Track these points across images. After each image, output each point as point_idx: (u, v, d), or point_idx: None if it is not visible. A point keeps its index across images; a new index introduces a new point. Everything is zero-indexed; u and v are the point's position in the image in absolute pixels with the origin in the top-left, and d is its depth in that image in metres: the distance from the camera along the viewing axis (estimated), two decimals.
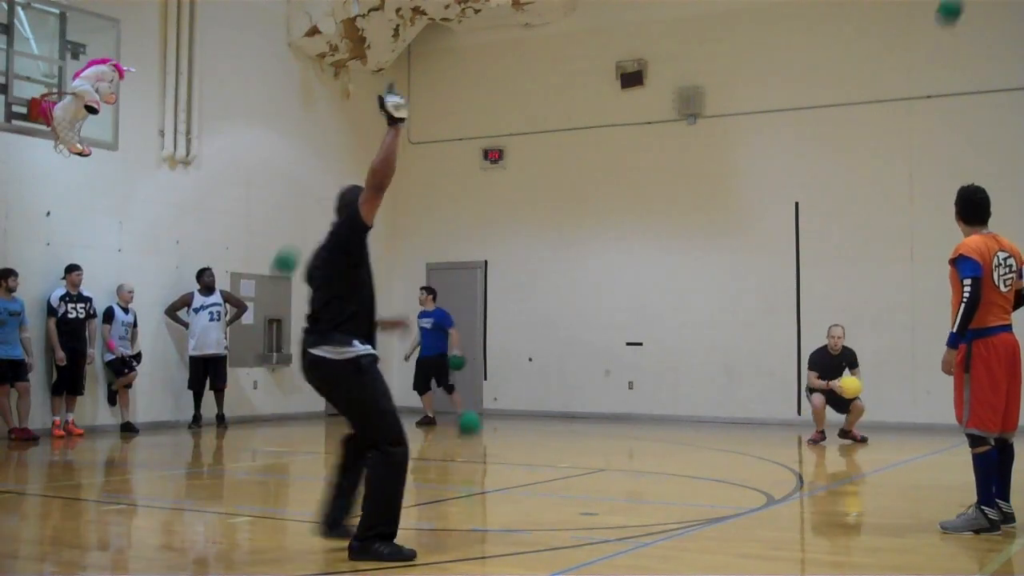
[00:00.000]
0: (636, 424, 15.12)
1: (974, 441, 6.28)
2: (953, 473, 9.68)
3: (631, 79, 16.41)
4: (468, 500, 8.27)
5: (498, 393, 17.16)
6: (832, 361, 12.11)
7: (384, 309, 20.69)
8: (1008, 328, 6.37)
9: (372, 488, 5.34)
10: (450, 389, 14.71)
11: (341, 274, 5.50)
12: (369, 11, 15.93)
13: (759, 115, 15.60)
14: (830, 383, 11.88)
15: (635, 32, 16.49)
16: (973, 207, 6.54)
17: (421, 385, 14.82)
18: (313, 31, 15.97)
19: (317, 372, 5.49)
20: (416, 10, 16.35)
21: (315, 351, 5.44)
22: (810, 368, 12.29)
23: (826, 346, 12.19)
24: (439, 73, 18.03)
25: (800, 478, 9.34)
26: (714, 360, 15.63)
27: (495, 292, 17.37)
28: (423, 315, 14.99)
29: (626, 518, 7.04)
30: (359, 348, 5.43)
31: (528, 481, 9.10)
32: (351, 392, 5.47)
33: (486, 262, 17.45)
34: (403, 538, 6.40)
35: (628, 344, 16.24)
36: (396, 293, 18.08)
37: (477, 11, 16.33)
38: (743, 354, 15.47)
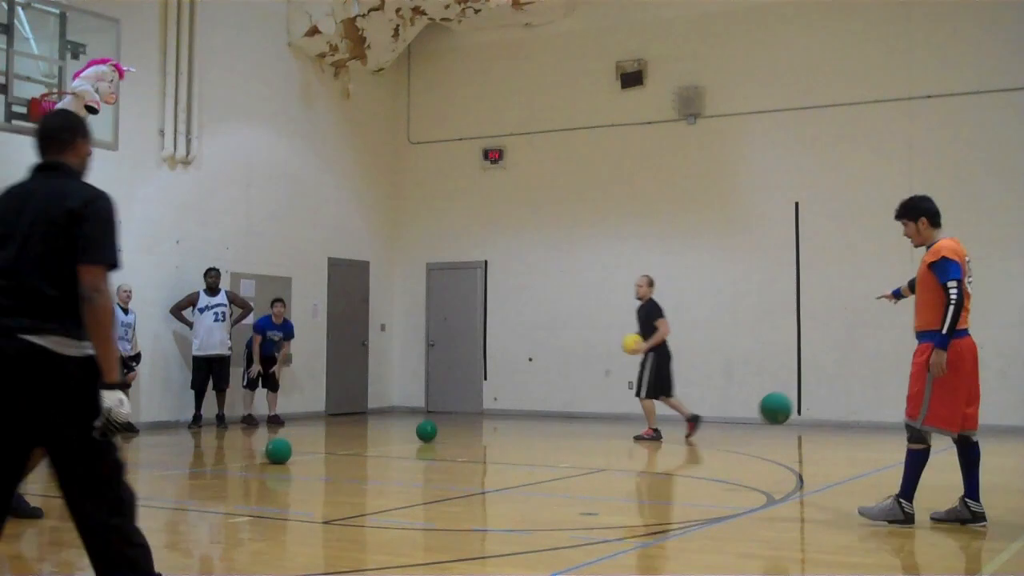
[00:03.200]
0: (636, 424, 15.10)
1: (914, 436, 6.46)
2: (953, 473, 9.67)
3: (631, 79, 16.41)
4: (468, 500, 8.27)
5: (498, 393, 17.15)
6: (638, 312, 12.82)
7: (384, 309, 20.67)
8: (968, 331, 6.49)
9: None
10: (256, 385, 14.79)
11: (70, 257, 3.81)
12: (369, 11, 15.93)
13: (759, 115, 15.60)
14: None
15: (635, 32, 16.49)
16: (937, 213, 6.74)
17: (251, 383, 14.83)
18: (313, 31, 15.97)
19: (29, 372, 3.66)
20: (416, 10, 16.35)
21: (36, 339, 3.67)
22: None
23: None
24: (439, 73, 18.04)
25: (800, 478, 9.34)
26: (714, 360, 15.63)
27: (495, 292, 17.37)
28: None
29: (626, 518, 7.04)
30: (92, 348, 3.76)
31: (528, 481, 9.10)
32: (88, 414, 3.66)
33: (486, 262, 17.45)
34: (404, 537, 6.40)
35: None
36: (396, 293, 18.10)
37: (477, 11, 16.33)
38: (743, 354, 15.47)
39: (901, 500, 6.43)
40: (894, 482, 9.34)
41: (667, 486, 9.04)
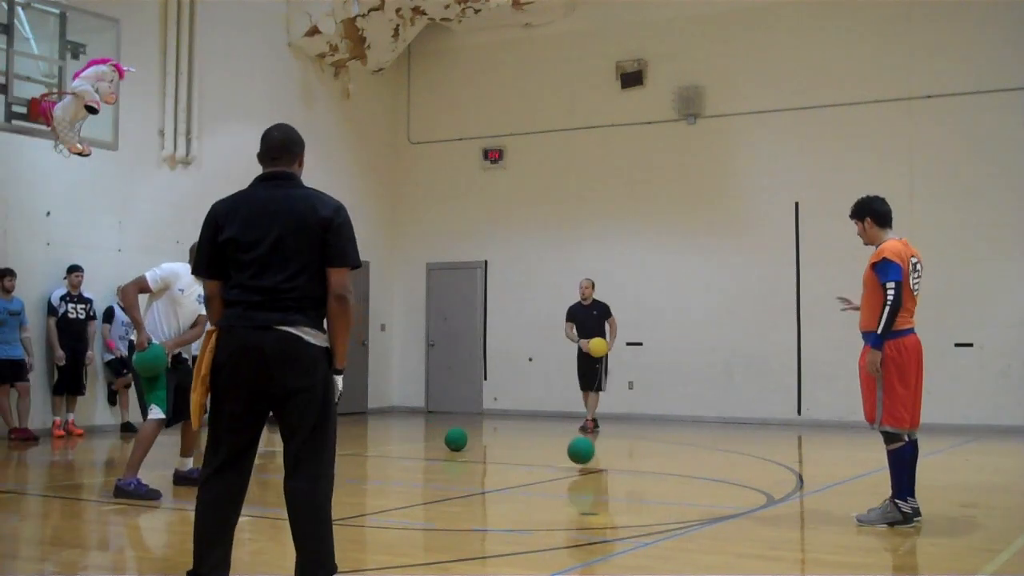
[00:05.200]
0: (636, 424, 15.12)
1: (889, 438, 6.54)
2: (952, 473, 9.69)
3: (631, 79, 16.41)
4: (468, 500, 8.27)
5: (498, 393, 17.15)
6: (586, 311, 13.84)
7: (384, 309, 20.60)
8: (914, 330, 6.62)
9: (326, 523, 4.38)
10: None
11: (318, 261, 4.32)
12: (369, 11, 15.93)
13: (759, 115, 15.60)
14: (582, 341, 13.59)
15: (635, 32, 16.49)
16: (885, 214, 6.81)
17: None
18: (313, 31, 15.97)
19: (287, 358, 4.23)
20: (416, 10, 16.35)
21: (292, 329, 4.23)
22: (567, 320, 13.92)
23: (580, 300, 13.96)
24: (439, 73, 18.03)
25: (800, 478, 9.34)
26: (714, 360, 15.63)
27: (495, 292, 17.37)
28: None
29: (626, 518, 7.04)
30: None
31: (528, 481, 9.10)
32: (328, 394, 4.36)
33: (486, 262, 17.45)
34: (404, 537, 6.41)
35: (628, 344, 16.22)
36: (396, 293, 18.09)
37: (477, 11, 16.34)
38: (743, 354, 15.47)
39: (896, 501, 6.46)
40: None
41: (667, 486, 9.05)
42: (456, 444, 11.04)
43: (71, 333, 12.36)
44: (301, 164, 4.53)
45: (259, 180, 4.47)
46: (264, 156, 4.49)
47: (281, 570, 5.34)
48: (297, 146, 4.50)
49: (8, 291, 11.79)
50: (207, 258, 4.40)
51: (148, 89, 13.56)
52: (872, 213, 6.78)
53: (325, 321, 4.36)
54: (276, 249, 4.27)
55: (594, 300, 13.88)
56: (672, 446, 12.32)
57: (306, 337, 4.26)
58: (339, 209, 4.36)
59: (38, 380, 12.24)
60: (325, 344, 4.32)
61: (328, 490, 4.40)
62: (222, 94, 14.73)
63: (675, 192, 16.07)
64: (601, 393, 13.83)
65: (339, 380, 4.38)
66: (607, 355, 13.70)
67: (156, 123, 13.87)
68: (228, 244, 4.32)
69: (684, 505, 7.72)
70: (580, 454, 9.55)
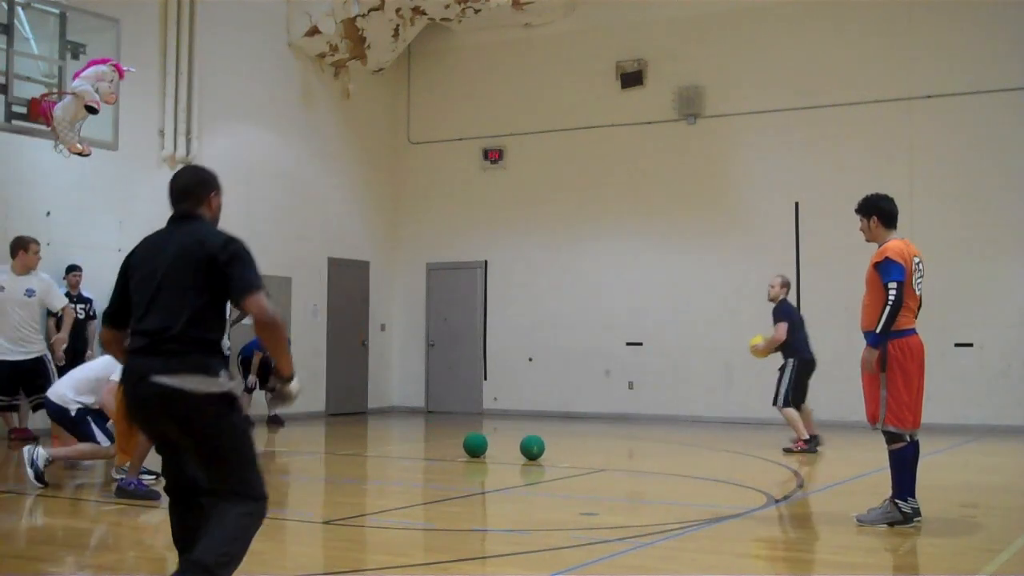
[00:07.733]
0: (636, 424, 15.12)
1: (891, 438, 6.52)
2: (952, 473, 9.69)
3: (631, 79, 16.41)
4: (468, 500, 8.27)
5: (498, 393, 17.14)
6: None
7: (384, 309, 20.65)
8: (916, 330, 6.59)
9: (237, 539, 4.03)
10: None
11: (205, 298, 4.15)
12: (369, 11, 15.93)
13: (759, 115, 15.59)
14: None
15: (635, 32, 16.49)
16: (892, 215, 6.80)
17: None
18: (313, 31, 15.97)
19: (164, 413, 4.06)
20: (416, 10, 16.35)
21: (168, 380, 3.99)
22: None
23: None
24: (439, 73, 18.04)
25: (800, 478, 9.34)
26: (714, 360, 15.62)
27: (495, 292, 17.36)
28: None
29: (626, 518, 7.04)
30: (228, 381, 4.15)
31: (528, 481, 9.11)
32: (218, 438, 4.08)
33: (486, 262, 17.45)
34: (404, 537, 6.41)
35: (628, 344, 16.23)
36: (396, 294, 18.08)
37: (477, 11, 16.34)
38: (743, 354, 15.42)
39: (896, 501, 6.45)
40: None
41: (667, 486, 9.05)
42: (475, 450, 10.36)
43: (71, 333, 12.34)
44: (211, 205, 4.39)
45: (168, 222, 4.38)
46: (171, 200, 4.37)
47: (281, 570, 5.35)
48: (202, 187, 4.37)
49: None
50: (111, 306, 4.32)
51: (148, 89, 13.56)
52: (879, 212, 6.77)
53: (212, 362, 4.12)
54: (161, 288, 4.11)
55: (781, 300, 11.59)
56: (672, 446, 12.32)
57: (185, 387, 3.99)
58: (229, 241, 4.14)
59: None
60: (211, 389, 4.02)
61: (248, 522, 4.09)
62: (222, 94, 14.73)
63: (675, 192, 16.07)
64: (787, 409, 11.20)
65: (295, 384, 4.22)
66: (789, 364, 11.35)
67: (156, 123, 13.87)
68: (127, 289, 4.28)
69: (684, 505, 7.72)
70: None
